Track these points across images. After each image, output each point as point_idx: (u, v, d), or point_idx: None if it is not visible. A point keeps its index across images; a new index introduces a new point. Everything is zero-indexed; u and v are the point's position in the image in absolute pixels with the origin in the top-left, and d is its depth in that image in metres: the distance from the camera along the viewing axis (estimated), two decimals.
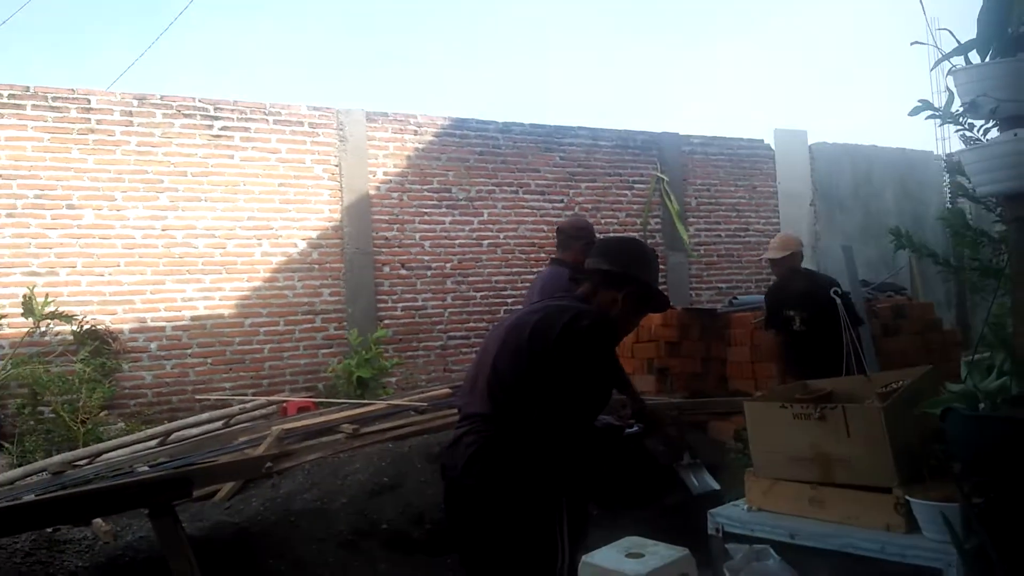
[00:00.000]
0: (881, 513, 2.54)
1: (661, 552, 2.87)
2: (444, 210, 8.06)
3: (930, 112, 2.37)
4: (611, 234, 8.69)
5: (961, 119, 2.27)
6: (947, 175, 2.59)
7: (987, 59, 2.20)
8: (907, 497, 2.46)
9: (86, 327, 6.36)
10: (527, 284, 8.14)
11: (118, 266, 6.61)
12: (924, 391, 2.77)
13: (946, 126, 10.52)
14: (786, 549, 2.70)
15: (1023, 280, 2.17)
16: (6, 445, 5.73)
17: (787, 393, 3.15)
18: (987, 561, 2.09)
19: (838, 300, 4.93)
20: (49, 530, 3.93)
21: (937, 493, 2.42)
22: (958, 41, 2.27)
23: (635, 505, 4.98)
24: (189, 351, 6.84)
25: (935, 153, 11.25)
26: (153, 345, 6.71)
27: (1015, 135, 2.14)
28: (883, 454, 2.54)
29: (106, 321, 6.51)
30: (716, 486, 4.95)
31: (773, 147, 10.23)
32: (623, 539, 3.06)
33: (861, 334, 5.16)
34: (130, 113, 6.72)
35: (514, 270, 8.36)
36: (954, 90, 2.31)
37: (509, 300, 8.23)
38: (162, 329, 6.75)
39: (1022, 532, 2.25)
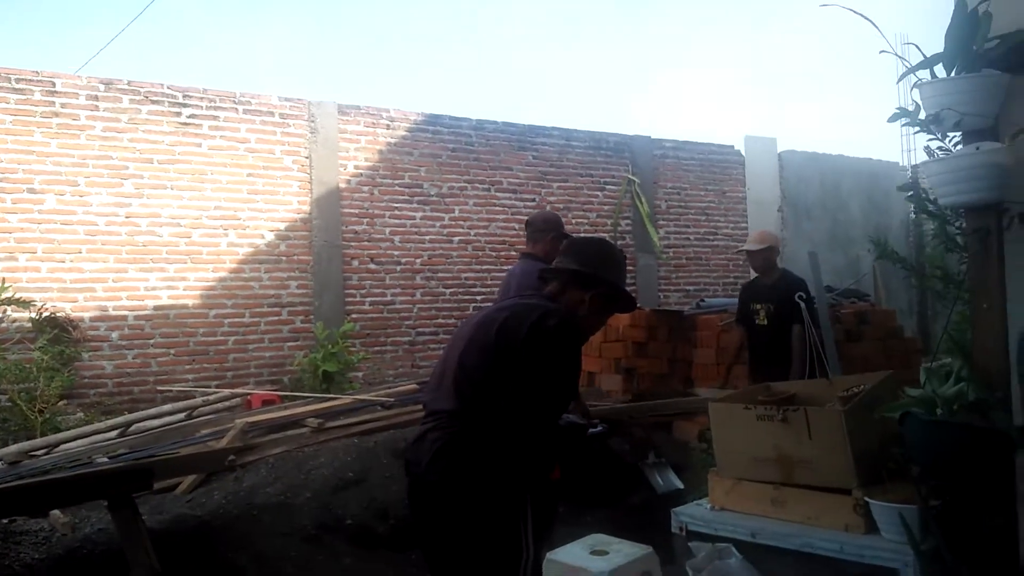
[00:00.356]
0: (841, 514, 2.59)
1: (625, 550, 2.90)
2: (415, 205, 8.02)
3: (906, 120, 2.41)
4: (582, 234, 8.73)
5: (932, 128, 2.32)
6: (910, 192, 2.62)
7: (952, 74, 2.26)
8: (866, 499, 2.52)
9: (45, 314, 6.22)
10: (497, 281, 8.14)
11: (80, 253, 6.48)
12: (884, 396, 2.83)
13: (913, 138, 10.77)
14: (748, 548, 2.75)
15: (982, 290, 2.23)
16: None
17: (751, 395, 3.20)
18: (942, 562, 2.15)
19: (802, 304, 5.03)
20: (5, 521, 3.85)
21: (895, 495, 2.49)
22: (924, 55, 2.32)
23: (597, 502, 5.01)
24: (152, 341, 6.73)
25: (901, 164, 11.48)
26: (114, 334, 6.59)
27: (977, 148, 2.19)
28: (843, 456, 2.59)
29: (66, 309, 6.38)
30: (680, 485, 5.03)
31: (743, 153, 10.36)
32: (588, 536, 3.09)
33: (824, 338, 5.26)
34: (96, 98, 6.59)
35: (484, 267, 8.36)
36: (920, 103, 2.36)
37: (479, 297, 8.22)
38: (124, 318, 6.63)
39: (977, 534, 2.31)
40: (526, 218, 4.68)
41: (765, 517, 2.78)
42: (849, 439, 2.57)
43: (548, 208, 8.54)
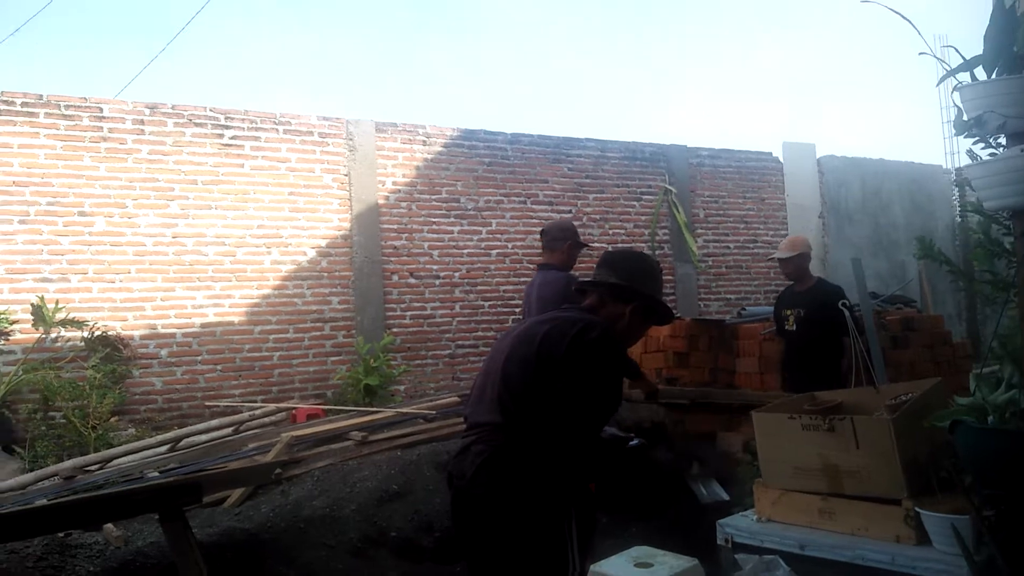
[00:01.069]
0: (891, 525, 2.55)
1: (670, 562, 2.90)
2: (452, 220, 8.09)
3: (962, 128, 2.36)
4: (619, 245, 8.71)
5: (974, 132, 2.28)
6: (956, 189, 2.58)
7: (993, 76, 2.22)
8: (917, 509, 2.47)
9: (97, 333, 6.40)
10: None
11: (129, 273, 6.66)
12: (933, 404, 2.78)
13: (956, 140, 10.54)
14: (795, 560, 2.71)
15: None
16: (18, 450, 5.77)
17: (796, 404, 3.17)
18: (997, 573, 2.10)
19: (846, 312, 4.94)
20: (61, 535, 3.96)
21: (947, 505, 2.43)
22: (964, 58, 2.29)
23: (640, 513, 4.98)
24: (199, 358, 6.87)
25: (944, 167, 11.26)
26: (163, 351, 6.75)
27: (1022, 150, 2.15)
28: (892, 466, 2.55)
29: (117, 327, 6.56)
30: (725, 496, 4.97)
31: (781, 160, 10.25)
32: (632, 548, 3.09)
33: (870, 346, 5.16)
34: (142, 122, 6.78)
35: (522, 280, 8.37)
36: (960, 106, 2.33)
37: (517, 309, 8.24)
38: (172, 336, 6.79)
39: None
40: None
41: (813, 528, 2.74)
42: (898, 448, 2.53)
43: (585, 220, 8.56)
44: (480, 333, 8.13)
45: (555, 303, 3.15)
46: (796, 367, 5.09)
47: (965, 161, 2.41)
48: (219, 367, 6.94)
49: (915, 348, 6.33)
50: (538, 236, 8.36)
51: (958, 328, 10.11)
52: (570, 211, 8.67)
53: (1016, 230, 2.27)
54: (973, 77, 2.28)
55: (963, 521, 2.30)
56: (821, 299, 5.02)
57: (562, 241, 4.51)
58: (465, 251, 8.13)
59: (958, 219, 10.80)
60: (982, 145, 2.35)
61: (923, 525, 2.46)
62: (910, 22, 2.46)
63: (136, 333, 6.65)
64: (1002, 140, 2.39)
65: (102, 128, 6.64)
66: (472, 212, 8.19)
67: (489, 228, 8.27)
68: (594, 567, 2.91)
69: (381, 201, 7.73)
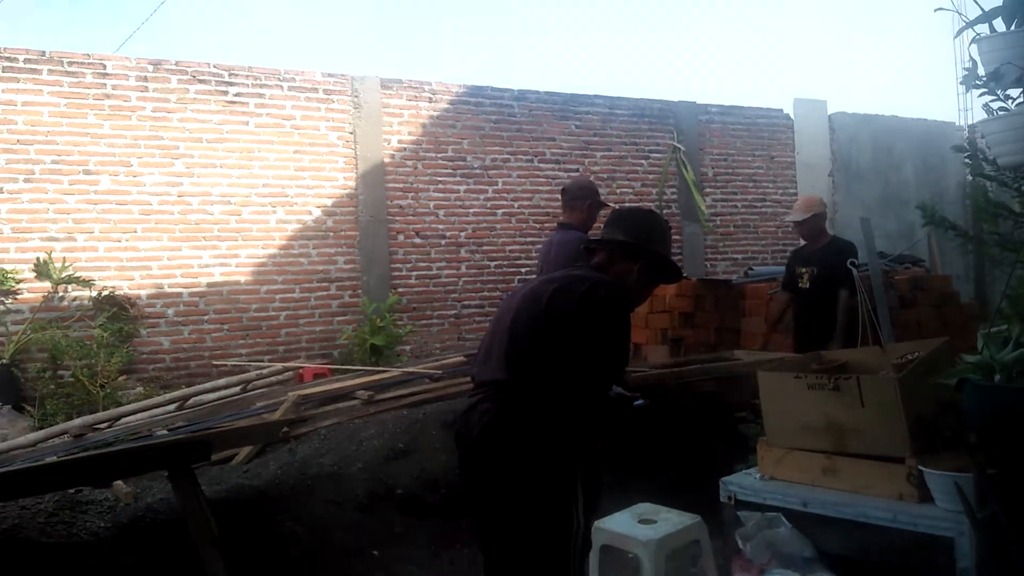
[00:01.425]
0: (894, 482, 2.55)
1: (673, 518, 2.92)
2: (459, 179, 8.04)
3: (977, 81, 2.31)
4: (627, 204, 8.65)
5: (991, 85, 2.23)
6: (966, 152, 2.53)
7: (1013, 27, 2.16)
8: (920, 467, 2.47)
9: (104, 292, 6.43)
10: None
11: (135, 232, 6.65)
12: (939, 363, 2.77)
13: (969, 97, 10.37)
14: (798, 517, 2.72)
15: None
16: (27, 408, 5.83)
17: (801, 363, 3.16)
18: (999, 531, 2.10)
19: (854, 271, 4.92)
20: (72, 491, 4.01)
21: (950, 464, 2.43)
22: (982, 9, 2.22)
23: (644, 472, 5.01)
24: (206, 317, 6.90)
25: (957, 124, 11.08)
26: (170, 311, 6.77)
27: None
28: (897, 424, 2.55)
29: (123, 287, 6.57)
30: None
31: (792, 117, 10.11)
32: (636, 505, 3.11)
33: (877, 305, 5.14)
34: (145, 79, 6.72)
35: (528, 239, 8.34)
36: (977, 59, 2.27)
37: (523, 269, 8.23)
38: (179, 295, 6.81)
39: None
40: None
41: (816, 486, 2.75)
42: (903, 407, 2.52)
43: (592, 178, 8.48)
44: (486, 293, 8.13)
45: (572, 262, 3.11)
46: (810, 324, 5.08)
47: (979, 118, 2.35)
48: (226, 326, 6.97)
49: (922, 308, 6.30)
50: (545, 195, 8.39)
51: (966, 288, 10.05)
52: (577, 169, 8.59)
53: None
54: (992, 29, 2.22)
55: (966, 479, 2.30)
56: (835, 257, 4.99)
57: (582, 200, 4.46)
58: (471, 210, 8.08)
59: (969, 178, 10.67)
60: (996, 99, 2.30)
61: (926, 483, 2.46)
62: None
63: (143, 292, 6.67)
64: (1016, 96, 2.34)
65: (105, 85, 6.58)
66: (478, 171, 8.12)
67: (495, 187, 8.21)
68: (598, 523, 2.94)
69: (387, 159, 7.67)
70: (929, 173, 10.73)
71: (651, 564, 2.65)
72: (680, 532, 2.82)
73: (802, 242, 5.48)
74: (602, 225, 2.65)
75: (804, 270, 5.12)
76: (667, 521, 2.86)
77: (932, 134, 10.87)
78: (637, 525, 2.84)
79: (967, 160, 2.74)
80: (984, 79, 2.32)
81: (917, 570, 2.45)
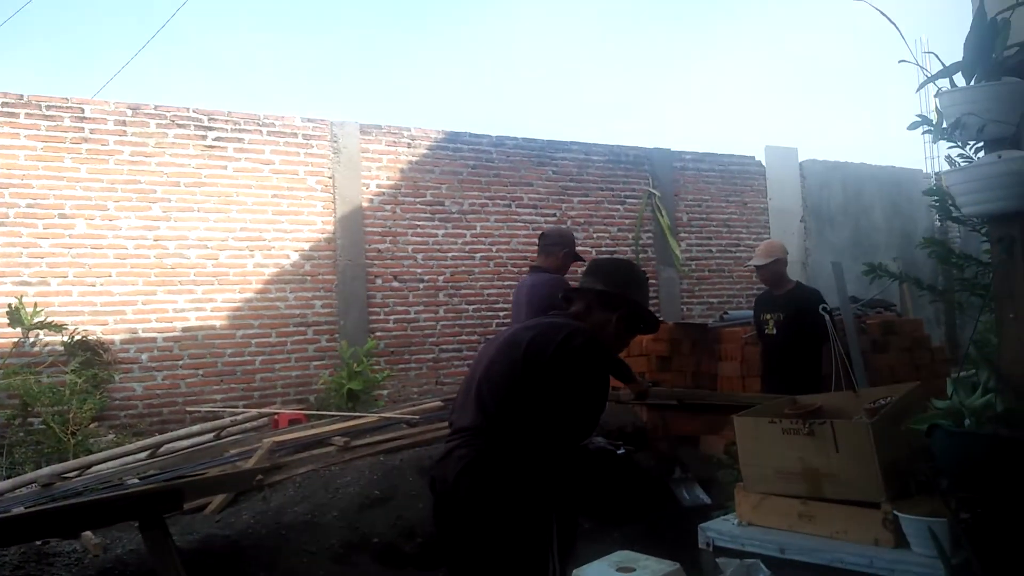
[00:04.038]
0: (870, 528, 2.56)
1: (652, 566, 2.90)
2: (437, 223, 8.08)
3: (927, 128, 2.41)
4: (603, 248, 8.74)
5: (954, 136, 2.31)
6: (936, 199, 2.62)
7: (972, 82, 2.25)
8: (895, 512, 2.49)
9: (77, 337, 6.34)
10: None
11: (110, 276, 6.60)
12: (911, 407, 2.80)
13: (936, 146, 10.67)
14: (776, 563, 2.72)
15: (1007, 299, 2.21)
16: None
17: (776, 408, 3.18)
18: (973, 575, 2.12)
19: (827, 316, 4.98)
20: (38, 543, 3.91)
21: (924, 508, 2.45)
22: (943, 64, 2.31)
23: (625, 520, 4.99)
24: (180, 362, 6.82)
25: (924, 171, 11.37)
26: (144, 356, 6.69)
27: (999, 157, 2.18)
28: (871, 469, 2.57)
29: (97, 332, 6.49)
30: (707, 499, 4.99)
31: (764, 163, 10.32)
32: (614, 553, 3.09)
33: (850, 350, 5.20)
34: (124, 123, 6.73)
35: (507, 283, 8.37)
36: (940, 111, 2.35)
37: (501, 314, 8.25)
38: (153, 340, 6.73)
39: (1008, 547, 2.28)
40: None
41: (793, 532, 2.75)
42: (877, 452, 2.54)
43: (569, 223, 8.57)
44: (464, 337, 8.12)
45: (547, 302, 3.14)
46: (776, 371, 5.12)
47: (945, 167, 2.44)
48: (200, 372, 6.89)
49: (895, 352, 6.39)
50: (523, 239, 8.45)
51: (937, 332, 10.20)
52: (555, 215, 8.68)
53: (992, 236, 2.29)
54: (952, 83, 2.31)
55: (940, 524, 2.32)
56: (800, 303, 5.05)
57: (560, 247, 4.53)
58: (449, 254, 8.12)
59: (937, 223, 10.91)
60: (954, 147, 2.38)
61: (901, 528, 2.47)
62: (894, 24, 2.49)
63: (116, 337, 6.59)
64: (980, 147, 2.43)
65: (83, 129, 6.58)
66: (456, 215, 8.18)
67: (473, 231, 8.27)
68: (576, 572, 2.91)
69: (365, 204, 7.71)
70: (899, 218, 10.97)
71: None
72: None
73: (764, 288, 5.52)
74: (580, 273, 2.68)
75: (769, 316, 5.16)
76: (646, 569, 2.85)
77: (901, 181, 11.14)
78: (615, 573, 2.82)
79: (935, 203, 2.81)
80: (947, 130, 2.40)
81: None
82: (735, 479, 3.22)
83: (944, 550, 2.22)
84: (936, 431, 2.19)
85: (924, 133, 2.50)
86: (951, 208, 2.68)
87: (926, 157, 11.79)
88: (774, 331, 5.10)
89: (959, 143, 2.45)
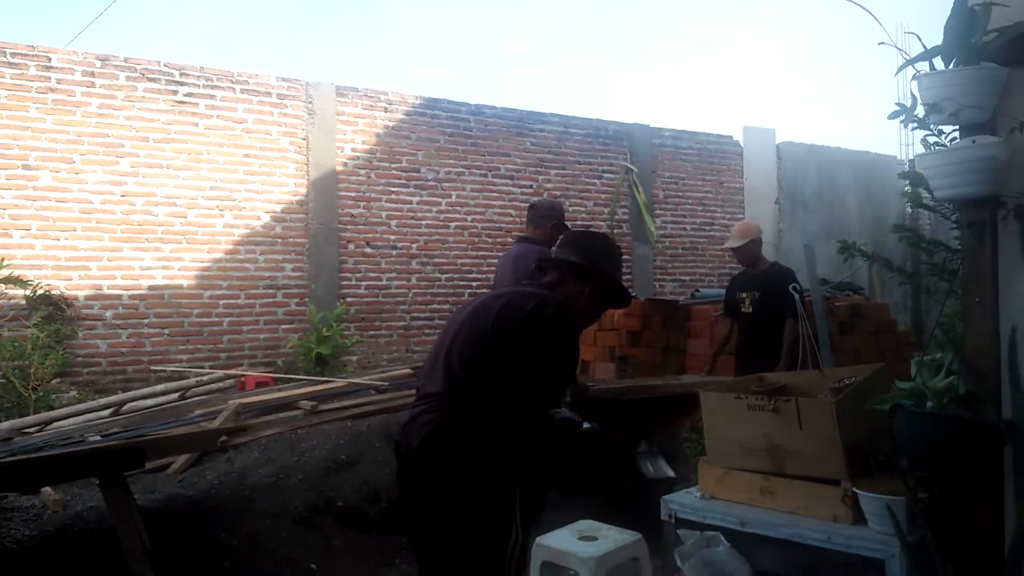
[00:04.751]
0: (829, 504, 2.61)
1: (614, 536, 2.93)
2: (412, 190, 8.00)
3: (904, 116, 2.41)
4: (579, 224, 8.73)
5: (931, 124, 2.32)
6: (908, 184, 2.64)
7: (951, 66, 2.25)
8: (855, 490, 2.53)
9: (40, 292, 6.20)
10: (493, 268, 8.13)
11: (74, 231, 6.45)
12: (876, 388, 2.84)
13: (911, 133, 10.77)
14: (736, 536, 2.76)
15: (974, 283, 2.24)
16: None
17: (743, 385, 3.21)
18: (927, 554, 2.16)
19: (796, 296, 5.04)
20: None
21: (884, 487, 2.50)
22: (924, 46, 2.31)
23: (588, 488, 5.03)
24: (146, 321, 6.72)
25: (899, 158, 11.48)
26: (108, 313, 6.58)
27: (973, 141, 2.19)
28: (833, 447, 2.61)
29: (60, 287, 6.36)
30: (671, 473, 5.05)
31: (742, 143, 10.35)
32: (578, 522, 3.12)
33: (818, 330, 5.26)
34: (92, 74, 6.55)
35: (480, 254, 8.35)
36: (917, 95, 2.35)
37: (474, 284, 8.22)
38: (118, 297, 6.61)
39: (963, 526, 2.33)
40: (523, 205, 4.68)
41: (754, 506, 2.80)
42: (839, 430, 2.58)
43: (545, 196, 8.53)
44: (436, 306, 8.09)
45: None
46: (752, 349, 5.16)
47: (920, 153, 2.44)
48: (166, 331, 6.79)
49: (861, 335, 6.48)
50: (498, 210, 8.40)
51: (903, 317, 10.37)
52: (531, 186, 8.64)
53: (963, 221, 2.31)
54: (932, 67, 2.31)
55: (898, 502, 2.37)
56: (777, 281, 5.09)
57: (548, 220, 4.50)
58: (423, 222, 8.05)
59: (908, 210, 11.05)
60: (930, 134, 2.39)
61: (860, 505, 2.52)
62: (870, 12, 2.48)
63: (80, 293, 6.47)
64: (951, 132, 2.44)
65: (50, 79, 6.39)
66: (432, 183, 8.11)
67: (449, 200, 8.20)
68: (539, 540, 2.93)
69: (339, 168, 7.60)
70: (871, 204, 11.08)
71: None
72: (620, 549, 2.83)
73: (740, 267, 5.57)
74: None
75: (745, 295, 5.20)
76: (608, 538, 2.87)
77: (875, 167, 11.24)
78: (578, 542, 2.84)
79: (908, 188, 2.83)
80: (920, 117, 2.41)
81: None
82: (700, 454, 3.26)
83: (901, 527, 2.27)
84: (899, 411, 2.22)
85: (902, 122, 2.50)
86: (923, 193, 2.69)
87: (901, 144, 11.92)
88: (750, 309, 5.15)
89: (933, 131, 2.45)
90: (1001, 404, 2.21)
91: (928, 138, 2.50)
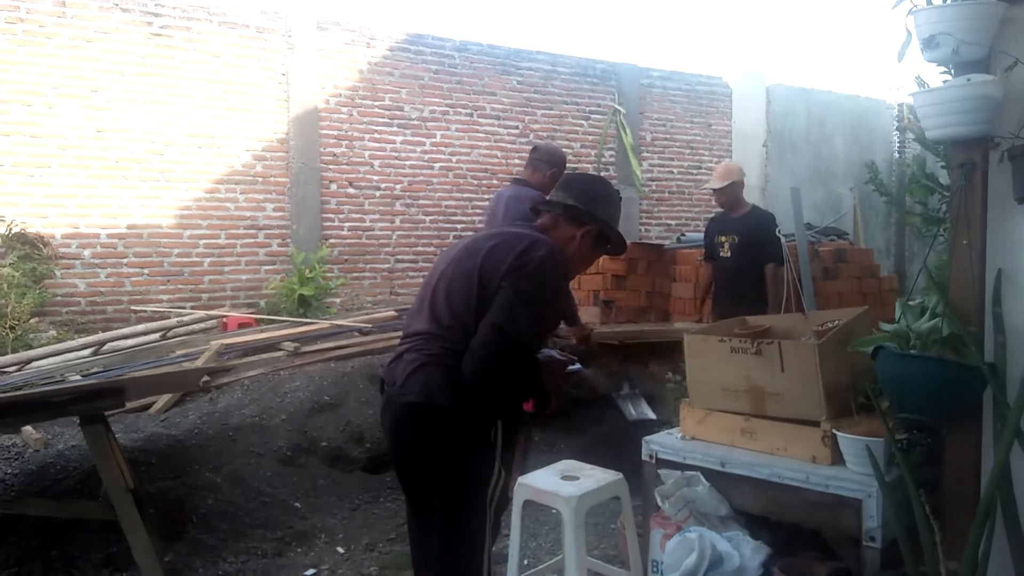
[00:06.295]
0: (809, 445, 2.63)
1: (596, 475, 2.95)
2: (395, 129, 7.85)
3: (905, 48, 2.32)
4: (569, 168, 8.61)
5: (927, 54, 2.24)
6: (897, 121, 2.60)
7: (948, 0, 2.19)
8: (834, 431, 2.55)
9: (15, 230, 6.08)
10: (479, 210, 8.06)
11: (49, 167, 6.30)
12: (858, 331, 2.85)
13: (901, 74, 10.63)
14: (716, 476, 2.79)
15: (962, 225, 2.21)
16: None
17: (726, 327, 3.21)
18: (904, 493, 2.19)
19: (781, 239, 5.02)
20: None
21: (863, 428, 2.52)
22: None
23: (573, 431, 5.08)
24: (125, 260, 6.62)
25: (887, 103, 11.38)
26: (87, 252, 6.47)
27: (968, 80, 2.14)
28: (814, 389, 2.61)
29: (36, 225, 6.23)
30: (652, 415, 5.10)
31: (731, 86, 10.20)
32: (560, 462, 3.14)
33: (802, 274, 5.27)
34: (63, 3, 6.30)
35: (466, 195, 8.25)
36: (912, 31, 2.29)
37: (459, 226, 8.15)
38: (96, 236, 6.50)
39: (939, 467, 2.36)
40: (509, 146, 4.57)
41: (734, 447, 2.82)
42: (821, 372, 2.59)
43: (532, 137, 8.41)
44: (420, 248, 8.02)
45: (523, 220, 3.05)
46: (729, 293, 5.14)
47: (912, 92, 2.38)
48: (146, 271, 6.70)
49: (845, 279, 6.50)
50: (484, 151, 8.28)
51: (886, 263, 10.43)
52: (517, 127, 8.51)
53: (954, 161, 2.27)
54: (929, 1, 2.25)
55: (877, 443, 2.38)
56: (756, 226, 5.04)
57: (548, 166, 4.39)
58: (407, 162, 7.93)
59: (896, 155, 11.01)
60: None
61: (839, 446, 2.54)
62: None
63: (57, 231, 6.34)
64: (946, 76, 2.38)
65: (19, 8, 6.15)
66: (416, 122, 7.95)
67: (433, 140, 8.06)
68: (522, 479, 2.95)
69: (321, 105, 7.43)
70: (858, 147, 11.00)
71: (572, 519, 2.68)
72: (601, 489, 2.85)
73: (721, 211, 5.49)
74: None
75: (724, 239, 5.14)
76: (589, 478, 2.89)
77: (864, 111, 11.14)
78: (560, 481, 2.86)
79: (897, 130, 2.78)
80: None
81: (827, 529, 2.54)
82: (681, 396, 3.27)
83: (879, 468, 2.29)
84: (881, 352, 2.22)
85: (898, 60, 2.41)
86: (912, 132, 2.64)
87: (893, 88, 11.79)
88: (729, 253, 5.11)
89: (934, 62, 2.37)
90: (984, 347, 2.21)
91: (921, 75, 2.44)
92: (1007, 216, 2.23)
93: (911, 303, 2.35)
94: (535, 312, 2.17)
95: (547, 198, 2.54)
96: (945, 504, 2.26)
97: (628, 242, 2.62)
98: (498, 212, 4.27)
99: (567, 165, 4.60)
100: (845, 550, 2.48)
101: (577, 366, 2.74)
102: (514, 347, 2.10)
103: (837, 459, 2.56)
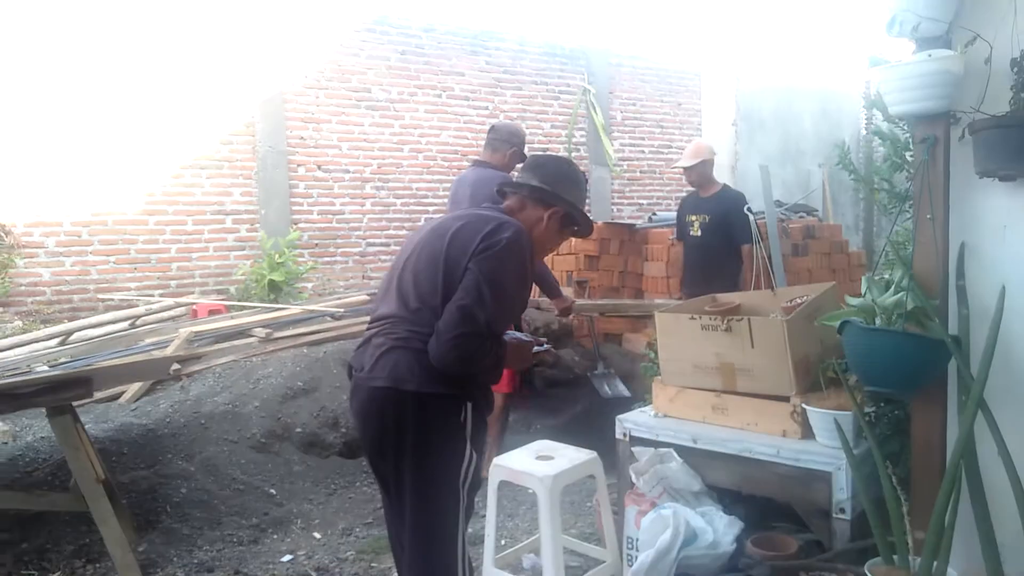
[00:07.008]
0: (779, 420, 2.67)
1: (570, 454, 2.97)
2: (363, 111, 7.77)
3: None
4: (535, 148, 8.60)
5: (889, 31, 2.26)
6: (863, 97, 2.61)
7: None
8: (804, 405, 2.59)
9: None
10: (449, 192, 8.01)
11: (7, 155, 6.14)
12: (826, 306, 2.89)
13: (869, 55, 10.74)
14: (688, 452, 2.82)
15: (926, 199, 2.24)
16: None
17: (697, 305, 3.23)
18: (872, 465, 2.23)
19: (751, 216, 5.05)
20: None
21: (832, 403, 2.56)
22: None
23: (547, 411, 5.11)
24: (90, 248, 6.50)
25: (854, 79, 11.46)
26: (50, 241, 6.34)
27: (929, 55, 2.16)
28: (784, 364, 2.65)
29: None
30: (627, 393, 5.13)
31: (699, 73, 10.22)
32: (534, 442, 3.16)
33: (771, 251, 5.31)
34: None
35: (436, 177, 8.20)
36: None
37: (430, 208, 8.11)
38: (60, 224, 6.37)
39: (906, 439, 2.41)
40: (479, 127, 4.50)
41: (706, 423, 2.85)
42: (790, 348, 2.62)
43: (501, 118, 8.37)
44: (392, 232, 7.98)
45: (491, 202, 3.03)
46: (699, 272, 5.16)
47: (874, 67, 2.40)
48: (112, 259, 6.59)
49: (814, 255, 6.58)
50: (453, 132, 8.22)
51: (855, 239, 10.56)
52: (487, 107, 8.46)
53: (916, 136, 2.30)
54: None
55: (845, 417, 2.42)
56: (727, 205, 5.06)
57: (508, 145, 4.36)
58: (376, 145, 7.85)
59: (863, 132, 11.11)
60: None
61: (808, 421, 2.58)
62: None
63: (19, 220, 6.20)
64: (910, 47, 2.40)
65: None
66: (384, 103, 7.87)
67: (402, 122, 7.99)
68: (497, 460, 2.96)
69: (286, 87, 7.32)
70: (827, 124, 11.09)
71: (547, 498, 2.70)
72: (576, 468, 2.87)
73: (691, 190, 5.50)
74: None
75: (695, 218, 5.15)
76: (564, 457, 2.92)
77: (832, 88, 11.22)
78: (535, 461, 2.88)
79: (864, 107, 2.80)
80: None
81: (798, 501, 2.59)
82: (655, 374, 3.30)
83: (847, 441, 2.33)
84: (847, 327, 2.25)
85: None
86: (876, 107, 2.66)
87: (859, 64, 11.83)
88: (699, 232, 5.13)
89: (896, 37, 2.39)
90: (947, 320, 2.25)
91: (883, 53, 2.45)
92: (969, 190, 2.26)
93: (877, 278, 2.38)
94: (502, 294, 2.17)
95: (513, 179, 2.53)
96: (912, 475, 2.30)
97: (598, 222, 2.63)
98: (462, 196, 4.24)
99: (537, 145, 4.58)
100: (816, 522, 2.53)
101: (545, 346, 2.74)
102: (481, 329, 2.09)
103: (807, 433, 2.60)
